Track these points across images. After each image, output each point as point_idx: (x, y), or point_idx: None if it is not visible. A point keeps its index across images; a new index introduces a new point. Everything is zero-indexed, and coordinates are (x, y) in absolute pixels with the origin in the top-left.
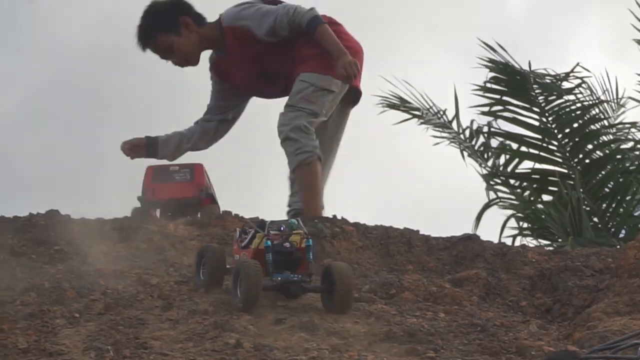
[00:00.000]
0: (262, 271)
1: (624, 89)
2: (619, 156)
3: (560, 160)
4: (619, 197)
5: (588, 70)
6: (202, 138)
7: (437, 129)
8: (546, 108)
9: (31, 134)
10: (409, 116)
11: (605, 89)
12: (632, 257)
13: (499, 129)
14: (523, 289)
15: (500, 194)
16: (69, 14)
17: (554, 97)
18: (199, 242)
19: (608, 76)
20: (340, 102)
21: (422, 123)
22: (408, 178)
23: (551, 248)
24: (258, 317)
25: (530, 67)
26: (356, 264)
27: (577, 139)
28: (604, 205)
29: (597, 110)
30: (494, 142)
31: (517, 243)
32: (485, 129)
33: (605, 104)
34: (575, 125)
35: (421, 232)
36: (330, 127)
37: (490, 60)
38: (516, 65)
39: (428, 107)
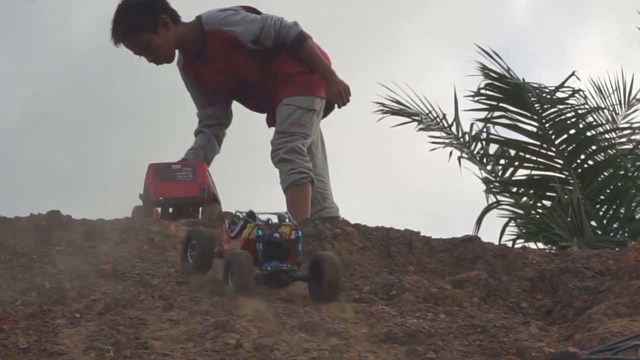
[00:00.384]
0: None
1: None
2: (618, 161)
3: (558, 166)
4: (617, 202)
5: (579, 79)
6: (218, 143)
7: (435, 134)
8: (543, 115)
9: (34, 135)
10: (408, 119)
11: (615, 87)
12: (632, 259)
13: (497, 135)
14: (524, 291)
15: (500, 198)
16: (72, 17)
17: (548, 105)
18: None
19: (623, 75)
20: None
21: (420, 129)
22: (409, 181)
23: (552, 250)
24: (258, 317)
25: (524, 81)
26: (357, 265)
27: (573, 146)
28: (603, 209)
29: (592, 117)
30: (493, 148)
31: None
32: (483, 135)
33: (603, 110)
34: (572, 132)
35: (422, 234)
36: (316, 140)
37: (485, 68)
38: (511, 74)
39: (428, 111)
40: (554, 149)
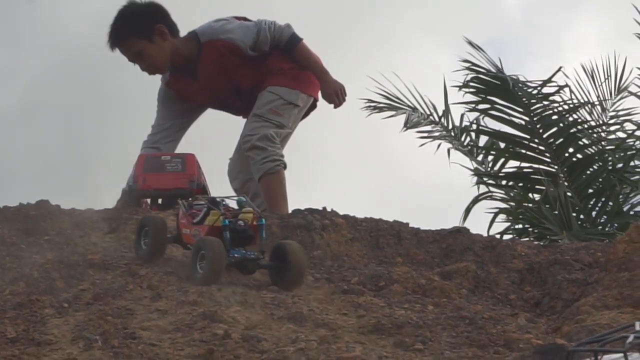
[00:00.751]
0: None
1: (631, 70)
2: (605, 156)
3: (547, 159)
4: (605, 196)
5: (567, 76)
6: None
7: (424, 128)
8: (531, 108)
9: (28, 126)
10: (396, 113)
11: (607, 75)
12: (621, 251)
13: (487, 127)
14: (512, 282)
15: (490, 189)
16: (68, 9)
17: (535, 100)
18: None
19: (616, 60)
20: None
21: (408, 128)
22: (399, 172)
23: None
24: (246, 308)
25: (511, 78)
26: (346, 256)
27: (560, 140)
28: (591, 203)
29: (579, 114)
30: (483, 140)
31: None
32: (473, 126)
33: (592, 105)
34: (559, 126)
35: (411, 226)
36: None
37: (469, 62)
38: (499, 68)
39: (418, 104)
40: (542, 143)
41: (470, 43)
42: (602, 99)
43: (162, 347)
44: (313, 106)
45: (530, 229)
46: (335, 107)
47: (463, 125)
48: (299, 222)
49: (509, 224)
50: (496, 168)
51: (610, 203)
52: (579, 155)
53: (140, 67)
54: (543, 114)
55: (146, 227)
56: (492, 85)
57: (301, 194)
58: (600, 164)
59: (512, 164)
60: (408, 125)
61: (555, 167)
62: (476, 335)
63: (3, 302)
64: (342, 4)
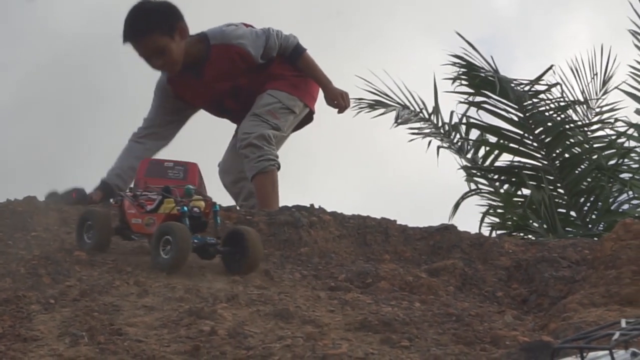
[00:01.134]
0: None
1: (618, 64)
2: (593, 155)
3: (538, 155)
4: (595, 194)
5: (562, 71)
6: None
7: (414, 125)
8: (524, 104)
9: (22, 124)
10: (387, 111)
11: (594, 73)
12: (608, 248)
13: (480, 120)
14: (499, 280)
15: (480, 186)
16: (62, 7)
17: (525, 97)
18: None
19: (601, 54)
20: None
21: (399, 124)
22: (388, 170)
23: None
24: (233, 304)
25: (499, 75)
26: (333, 253)
27: (551, 137)
28: (581, 200)
29: (569, 112)
30: (474, 135)
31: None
32: (465, 120)
33: (581, 103)
34: (550, 124)
35: (398, 223)
36: None
37: (459, 57)
38: (491, 65)
39: (407, 101)
40: (534, 139)
41: (463, 38)
42: (587, 97)
43: (148, 344)
44: (309, 119)
45: (514, 234)
46: (340, 111)
47: (453, 123)
48: (287, 219)
49: (497, 220)
50: (486, 164)
51: (600, 201)
52: (569, 154)
53: (154, 64)
54: (534, 111)
55: (89, 220)
56: (485, 81)
57: (288, 191)
58: (587, 163)
59: (502, 160)
60: (399, 121)
61: (546, 162)
62: (463, 332)
63: None
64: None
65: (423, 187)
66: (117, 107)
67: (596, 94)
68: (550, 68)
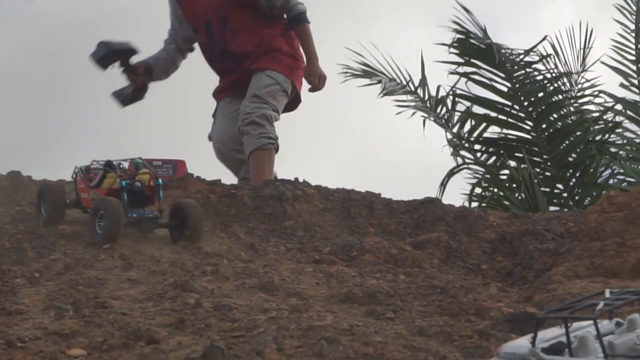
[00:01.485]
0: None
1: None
2: (582, 128)
3: (527, 127)
4: (582, 166)
5: (552, 46)
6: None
7: (400, 97)
8: (514, 75)
9: (5, 101)
10: (373, 82)
11: (574, 48)
12: (592, 221)
13: (468, 92)
14: (484, 252)
15: (467, 160)
16: None
17: (517, 67)
18: (162, 204)
19: (581, 31)
20: None
21: (385, 94)
22: (374, 144)
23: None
24: (218, 277)
25: (494, 44)
26: (317, 227)
27: (541, 108)
28: (569, 173)
29: (559, 82)
30: (461, 107)
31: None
32: (452, 95)
33: (571, 75)
34: (540, 95)
35: (383, 196)
36: None
37: (459, 22)
38: (485, 34)
39: (394, 74)
40: (523, 110)
41: (460, 4)
42: (570, 70)
43: (133, 317)
44: (294, 105)
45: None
46: (312, 89)
47: (439, 97)
48: (271, 192)
49: (484, 196)
50: (474, 135)
51: (588, 173)
52: (559, 125)
53: None
54: (525, 82)
55: (44, 193)
56: (477, 49)
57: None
58: (578, 134)
59: (491, 132)
60: (384, 91)
61: (534, 134)
62: (447, 304)
63: None
64: None
65: (408, 163)
66: (101, 87)
67: (583, 68)
68: (544, 39)
